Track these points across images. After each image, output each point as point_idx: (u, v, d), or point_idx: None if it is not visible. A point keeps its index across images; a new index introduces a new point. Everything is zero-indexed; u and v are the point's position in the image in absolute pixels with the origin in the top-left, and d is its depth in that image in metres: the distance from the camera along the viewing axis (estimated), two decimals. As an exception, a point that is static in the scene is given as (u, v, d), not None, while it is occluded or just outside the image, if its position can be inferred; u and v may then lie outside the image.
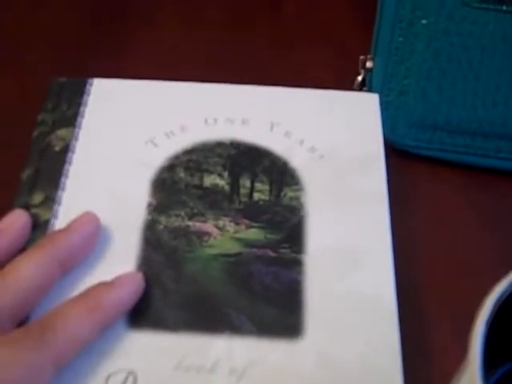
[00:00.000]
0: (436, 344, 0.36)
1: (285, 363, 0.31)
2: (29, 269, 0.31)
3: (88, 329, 0.30)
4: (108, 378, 0.31)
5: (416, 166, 0.43)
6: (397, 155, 0.43)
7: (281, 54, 0.49)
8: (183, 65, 0.47)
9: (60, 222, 0.35)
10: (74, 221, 0.34)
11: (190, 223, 0.35)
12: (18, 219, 0.34)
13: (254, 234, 0.35)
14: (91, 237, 0.33)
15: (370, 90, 0.44)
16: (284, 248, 0.35)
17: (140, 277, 0.33)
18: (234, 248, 0.35)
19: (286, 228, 0.35)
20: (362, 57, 0.44)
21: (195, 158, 0.38)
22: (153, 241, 0.35)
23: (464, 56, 0.40)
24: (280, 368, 0.31)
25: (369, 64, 0.44)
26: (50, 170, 0.37)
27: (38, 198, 0.36)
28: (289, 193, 0.36)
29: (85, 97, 0.40)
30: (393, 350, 0.32)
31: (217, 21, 0.51)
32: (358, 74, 0.44)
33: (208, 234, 0.35)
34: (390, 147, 0.42)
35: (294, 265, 0.34)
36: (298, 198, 0.36)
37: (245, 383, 0.31)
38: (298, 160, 0.38)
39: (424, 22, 0.39)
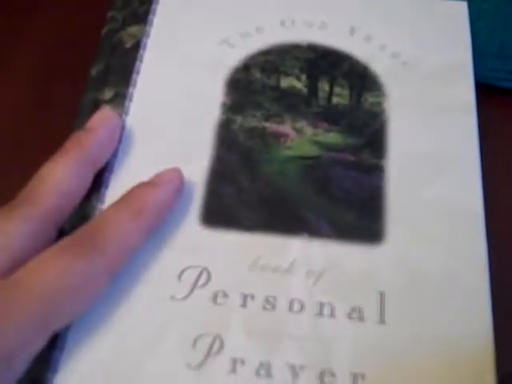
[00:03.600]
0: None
1: (364, 267, 0.30)
2: (65, 172, 0.30)
3: (137, 233, 0.29)
4: (181, 273, 0.30)
5: (493, 99, 0.39)
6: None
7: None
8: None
9: (131, 117, 0.34)
10: (93, 120, 0.32)
11: (267, 124, 0.34)
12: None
13: (332, 137, 0.33)
14: (115, 132, 0.32)
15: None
16: (364, 153, 0.33)
17: (180, 173, 0.31)
18: (311, 151, 0.33)
19: (367, 133, 0.34)
20: None
21: (271, 60, 0.36)
22: (227, 140, 0.33)
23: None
24: (359, 272, 0.30)
25: None
26: (121, 66, 0.36)
27: (108, 93, 0.35)
28: (370, 98, 0.35)
29: (156, -5, 0.38)
30: (479, 261, 0.30)
31: None
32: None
33: (285, 135, 0.33)
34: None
35: (375, 170, 0.32)
36: (379, 104, 0.34)
37: (322, 285, 0.29)
38: (379, 65, 0.36)
39: None
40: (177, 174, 0.31)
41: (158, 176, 0.31)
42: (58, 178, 0.30)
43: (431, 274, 0.30)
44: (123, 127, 0.34)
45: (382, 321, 0.28)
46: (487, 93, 0.38)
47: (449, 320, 0.29)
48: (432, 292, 0.29)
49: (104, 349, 0.28)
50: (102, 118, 0.32)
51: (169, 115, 0.34)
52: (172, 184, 0.31)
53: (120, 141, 0.33)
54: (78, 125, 0.34)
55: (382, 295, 0.29)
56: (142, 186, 0.30)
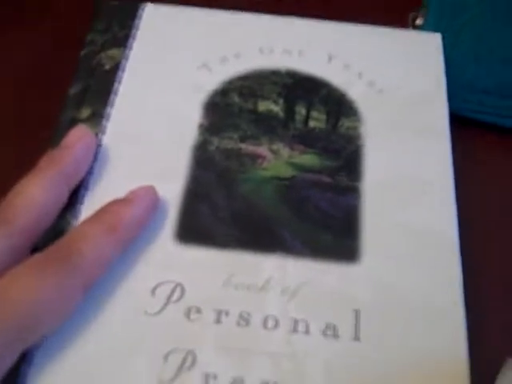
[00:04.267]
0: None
1: (339, 286, 0.30)
2: (40, 189, 0.29)
3: (111, 249, 0.29)
4: (155, 288, 0.29)
5: (464, 130, 0.38)
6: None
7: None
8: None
9: (107, 136, 0.34)
10: (68, 138, 0.32)
11: (243, 145, 0.34)
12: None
13: (309, 159, 0.34)
14: (90, 149, 0.32)
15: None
16: (340, 175, 0.33)
17: (154, 190, 0.31)
18: (288, 172, 0.33)
19: (343, 156, 0.34)
20: (412, 13, 0.43)
21: (249, 85, 0.36)
22: (204, 160, 0.33)
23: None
24: (334, 291, 0.30)
25: (419, 21, 0.42)
26: (99, 87, 0.36)
27: (85, 112, 0.35)
28: (346, 123, 0.35)
29: (137, 20, 0.39)
30: (453, 282, 0.30)
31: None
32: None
33: (262, 157, 0.34)
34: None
35: (351, 191, 0.32)
36: (355, 128, 0.35)
37: (297, 302, 0.29)
38: (356, 93, 0.36)
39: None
40: (150, 191, 0.31)
41: (132, 193, 0.31)
42: (34, 195, 0.29)
43: (406, 293, 0.30)
44: (99, 145, 0.34)
45: (356, 338, 0.28)
46: (461, 125, 0.38)
47: (423, 339, 0.29)
48: (406, 311, 0.29)
49: (75, 363, 0.27)
50: (77, 136, 0.32)
51: (146, 135, 0.34)
52: (146, 201, 0.31)
53: (96, 159, 0.33)
54: (54, 143, 0.33)
55: (357, 313, 0.29)
56: (116, 202, 0.30)
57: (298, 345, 0.28)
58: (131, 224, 0.30)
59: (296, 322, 0.29)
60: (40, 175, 0.30)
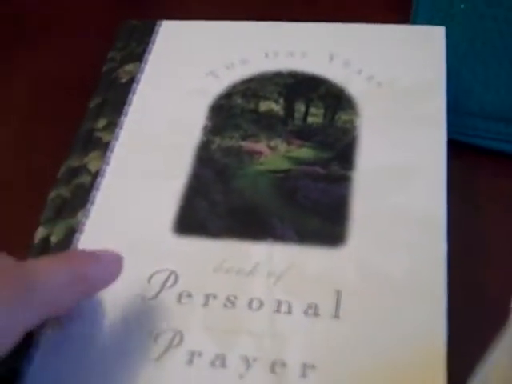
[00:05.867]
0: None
1: (324, 269, 0.31)
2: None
3: (72, 298, 0.28)
4: (151, 276, 0.31)
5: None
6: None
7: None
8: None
9: (120, 142, 0.37)
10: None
11: (243, 143, 0.36)
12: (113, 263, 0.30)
13: (305, 152, 0.35)
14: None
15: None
16: (333, 165, 0.34)
17: (122, 259, 0.29)
18: (283, 165, 0.35)
19: (338, 147, 0.35)
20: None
21: (253, 87, 0.38)
22: (205, 159, 0.35)
23: (499, 41, 0.40)
24: (318, 272, 0.31)
25: None
26: (116, 99, 0.39)
27: (102, 123, 0.38)
28: (343, 116, 0.36)
29: (153, 36, 0.42)
30: (438, 268, 0.30)
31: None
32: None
33: (260, 153, 0.35)
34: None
35: (343, 180, 0.34)
36: (351, 121, 0.36)
37: (282, 285, 0.31)
38: (355, 88, 0.37)
39: (462, 6, 0.42)
40: (119, 257, 0.30)
41: (102, 252, 0.29)
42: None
43: (388, 276, 0.30)
44: (111, 151, 0.36)
45: (336, 316, 0.29)
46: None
47: (403, 322, 0.29)
48: (388, 294, 0.30)
49: (77, 343, 0.30)
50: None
51: (154, 138, 0.37)
52: (115, 264, 0.29)
53: (107, 163, 0.36)
54: (72, 154, 0.37)
55: (338, 293, 0.30)
56: (85, 253, 0.30)
57: (280, 324, 0.29)
58: (96, 280, 0.29)
59: (280, 303, 0.30)
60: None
